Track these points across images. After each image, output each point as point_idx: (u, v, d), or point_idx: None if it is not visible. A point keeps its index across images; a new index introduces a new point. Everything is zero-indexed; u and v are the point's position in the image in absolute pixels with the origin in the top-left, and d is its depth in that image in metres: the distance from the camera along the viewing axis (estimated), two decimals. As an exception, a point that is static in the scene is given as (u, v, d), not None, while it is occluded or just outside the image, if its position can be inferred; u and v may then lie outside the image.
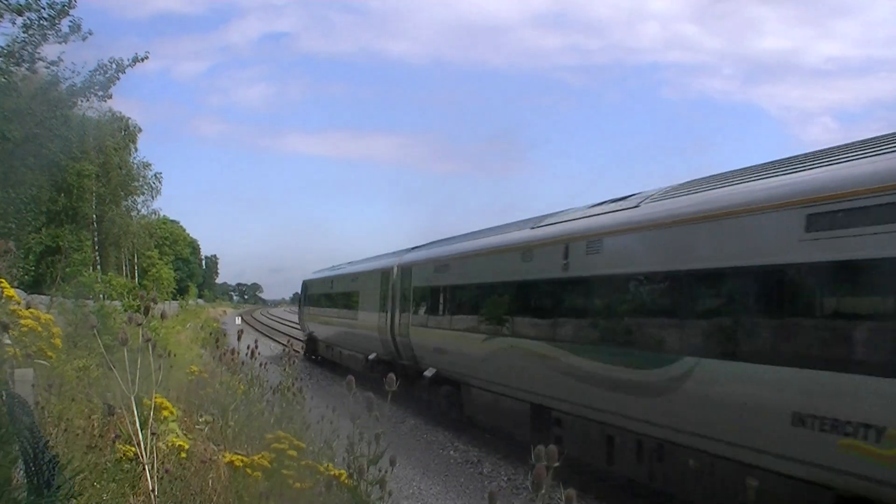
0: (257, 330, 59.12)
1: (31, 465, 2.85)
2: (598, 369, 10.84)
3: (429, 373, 18.28)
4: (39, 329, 5.68)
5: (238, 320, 58.12)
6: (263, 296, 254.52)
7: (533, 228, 14.00)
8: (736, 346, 8.54)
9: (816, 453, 7.44)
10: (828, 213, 7.49)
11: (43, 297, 20.38)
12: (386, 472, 4.13)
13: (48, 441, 3.05)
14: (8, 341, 5.50)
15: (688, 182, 10.83)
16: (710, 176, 10.48)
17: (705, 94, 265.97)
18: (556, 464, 2.62)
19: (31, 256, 39.28)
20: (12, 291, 5.89)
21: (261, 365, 12.03)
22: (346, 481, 4.38)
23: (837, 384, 7.27)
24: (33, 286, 34.92)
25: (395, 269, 21.76)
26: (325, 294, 32.66)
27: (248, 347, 12.15)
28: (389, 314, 21.51)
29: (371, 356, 23.33)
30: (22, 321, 5.61)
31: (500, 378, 14.30)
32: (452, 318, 17.04)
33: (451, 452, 14.98)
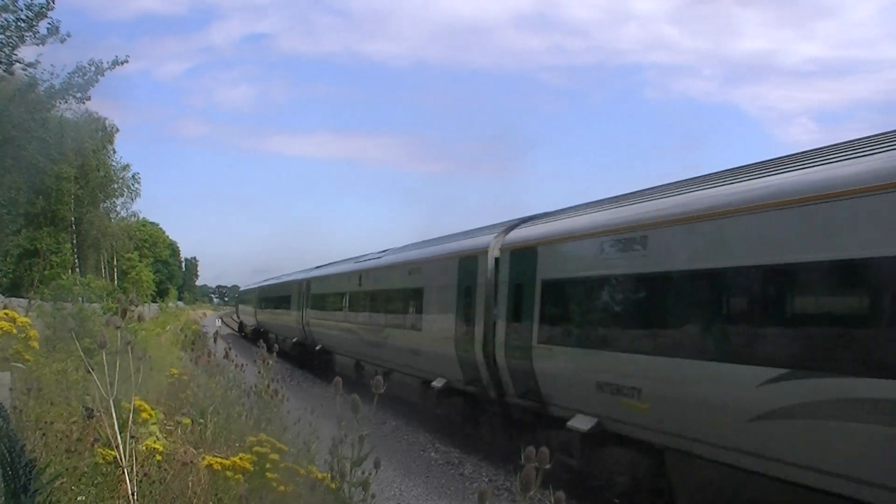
0: (236, 331, 58.90)
1: (8, 469, 2.79)
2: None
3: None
4: (14, 331, 5.59)
5: (218, 322, 57.84)
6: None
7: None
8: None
9: (611, 409, 10.19)
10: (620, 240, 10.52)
11: (21, 300, 20.17)
12: (370, 474, 4.08)
13: (24, 445, 2.99)
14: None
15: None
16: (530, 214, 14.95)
17: (687, 95, 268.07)
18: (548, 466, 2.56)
19: (9, 259, 38.93)
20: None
21: (237, 366, 12.01)
22: (330, 483, 4.33)
23: (617, 361, 10.09)
24: (11, 289, 34.62)
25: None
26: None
27: (224, 350, 12.08)
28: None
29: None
30: (-2, 324, 5.53)
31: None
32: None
33: (433, 454, 14.94)
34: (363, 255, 25.72)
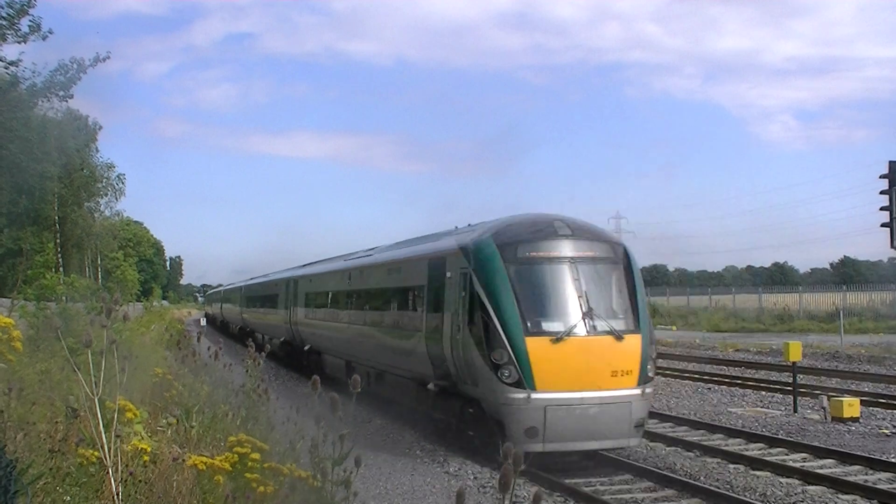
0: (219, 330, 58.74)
1: (-11, 470, 2.80)
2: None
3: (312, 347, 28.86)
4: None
5: (203, 321, 57.70)
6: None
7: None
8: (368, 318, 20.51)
9: (336, 349, 23.99)
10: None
11: (4, 300, 20.04)
12: (351, 472, 4.11)
13: (6, 446, 2.99)
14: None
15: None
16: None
17: (668, 93, 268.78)
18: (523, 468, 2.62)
19: (-9, 259, 38.66)
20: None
21: (225, 366, 12.00)
22: (311, 482, 4.35)
23: (337, 329, 23.07)
24: (-6, 289, 34.35)
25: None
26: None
27: (212, 350, 12.05)
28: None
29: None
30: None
31: None
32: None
33: (418, 452, 14.94)
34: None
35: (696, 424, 17.50)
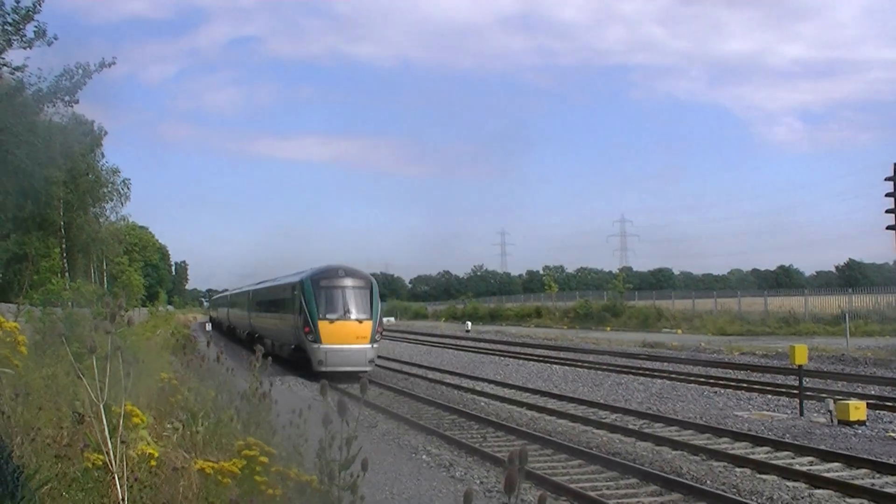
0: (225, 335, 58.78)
1: (-4, 475, 2.80)
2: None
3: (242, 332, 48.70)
4: (2, 336, 5.57)
5: (208, 326, 57.78)
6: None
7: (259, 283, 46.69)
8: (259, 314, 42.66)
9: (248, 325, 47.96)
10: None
11: (10, 305, 20.07)
12: (357, 476, 4.10)
13: (12, 451, 2.99)
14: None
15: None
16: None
17: (672, 96, 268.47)
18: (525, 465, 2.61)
19: (-3, 264, 38.75)
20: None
21: (228, 370, 12.00)
22: (318, 486, 4.34)
23: (268, 319, 39.58)
24: (0, 294, 34.42)
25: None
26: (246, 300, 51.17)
27: (216, 354, 12.05)
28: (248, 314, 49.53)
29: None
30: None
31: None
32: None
33: (424, 457, 14.94)
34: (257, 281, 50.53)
35: (701, 428, 17.46)
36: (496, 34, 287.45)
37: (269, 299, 40.38)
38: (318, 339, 27.70)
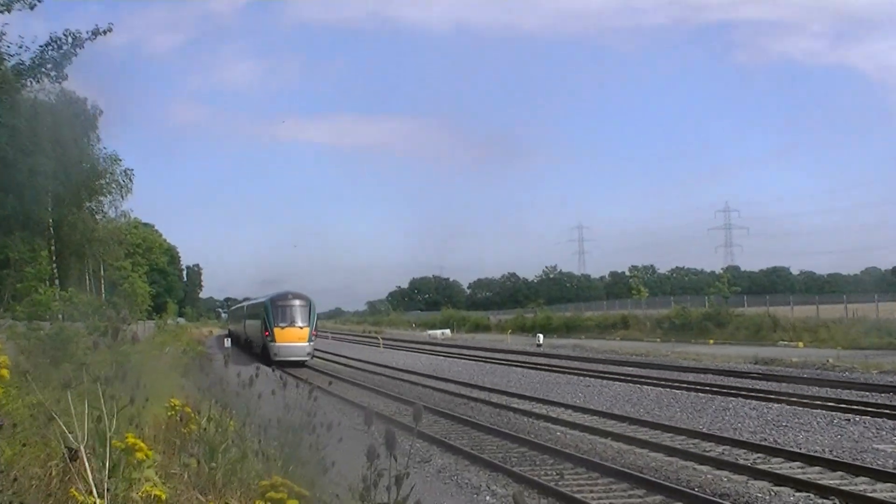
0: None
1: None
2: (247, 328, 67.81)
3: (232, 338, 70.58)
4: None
5: (227, 342, 58.41)
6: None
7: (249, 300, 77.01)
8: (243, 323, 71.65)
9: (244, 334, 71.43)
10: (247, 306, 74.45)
11: (-10, 319, 20.39)
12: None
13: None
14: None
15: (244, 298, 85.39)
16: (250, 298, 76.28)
17: (787, 58, 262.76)
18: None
19: (-26, 271, 39.45)
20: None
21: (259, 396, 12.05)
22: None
23: (249, 326, 66.14)
24: (-21, 306, 35.08)
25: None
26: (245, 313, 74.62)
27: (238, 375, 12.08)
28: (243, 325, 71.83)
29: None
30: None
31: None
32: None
33: (487, 497, 14.91)
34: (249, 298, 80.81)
35: (832, 464, 17.13)
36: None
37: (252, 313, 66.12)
38: (274, 339, 51.74)
